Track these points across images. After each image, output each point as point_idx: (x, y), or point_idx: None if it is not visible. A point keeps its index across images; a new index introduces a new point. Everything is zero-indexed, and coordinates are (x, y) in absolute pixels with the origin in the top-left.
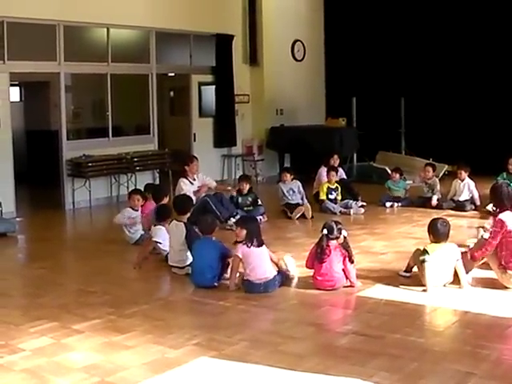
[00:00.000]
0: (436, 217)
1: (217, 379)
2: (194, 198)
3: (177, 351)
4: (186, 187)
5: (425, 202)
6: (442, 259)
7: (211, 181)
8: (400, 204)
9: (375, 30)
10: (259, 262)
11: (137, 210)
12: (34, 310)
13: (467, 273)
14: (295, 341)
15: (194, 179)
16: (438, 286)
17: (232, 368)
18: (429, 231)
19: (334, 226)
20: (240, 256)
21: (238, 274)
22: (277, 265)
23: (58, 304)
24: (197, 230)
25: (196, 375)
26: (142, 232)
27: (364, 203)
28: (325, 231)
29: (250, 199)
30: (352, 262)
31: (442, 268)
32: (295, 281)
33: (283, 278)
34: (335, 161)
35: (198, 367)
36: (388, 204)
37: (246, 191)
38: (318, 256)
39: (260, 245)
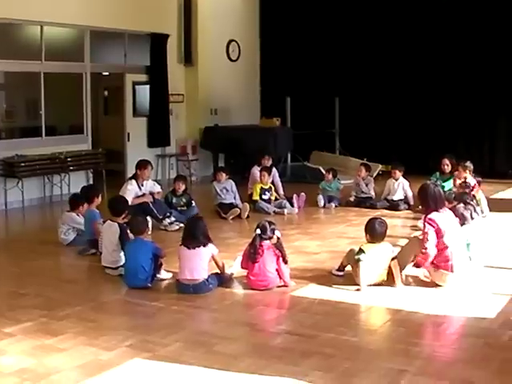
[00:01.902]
0: (373, 217)
1: (151, 381)
2: (130, 201)
3: (110, 353)
4: (132, 189)
5: (360, 202)
6: (377, 258)
7: (158, 188)
8: (333, 204)
9: (310, 30)
10: (186, 263)
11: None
12: None
13: (401, 271)
14: (229, 341)
15: (143, 184)
16: (371, 284)
17: (166, 369)
18: (366, 231)
19: (268, 226)
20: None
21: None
22: (220, 268)
23: None
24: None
25: (130, 377)
26: (75, 234)
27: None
28: (258, 231)
29: (184, 200)
30: (286, 262)
31: (376, 267)
32: (233, 281)
33: (221, 280)
34: (267, 161)
35: (132, 369)
36: (322, 203)
37: (180, 191)
38: (251, 256)
39: (191, 246)
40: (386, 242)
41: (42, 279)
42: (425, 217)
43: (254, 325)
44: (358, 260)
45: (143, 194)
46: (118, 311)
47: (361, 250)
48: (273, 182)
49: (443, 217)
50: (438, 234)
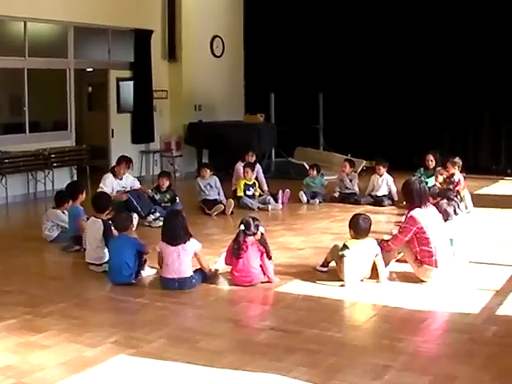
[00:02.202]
0: (357, 212)
1: (135, 377)
2: (112, 196)
3: (94, 350)
4: (107, 182)
5: (344, 198)
6: (361, 254)
7: (138, 185)
8: (318, 200)
9: (294, 27)
10: (170, 261)
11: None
12: None
13: (385, 267)
14: (213, 337)
15: (121, 178)
16: (356, 280)
17: (150, 366)
18: (350, 226)
19: (251, 222)
20: (157, 249)
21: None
22: (202, 265)
23: None
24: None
25: (114, 374)
26: (59, 231)
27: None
28: (242, 227)
29: (168, 196)
30: (270, 258)
31: (360, 263)
32: (218, 277)
33: (204, 276)
34: (250, 157)
35: (116, 365)
36: (305, 199)
37: (164, 188)
38: (235, 252)
39: (173, 243)
40: (370, 237)
41: (25, 276)
42: (407, 212)
43: (238, 321)
44: (342, 256)
45: (125, 191)
46: (102, 308)
47: (345, 246)
48: (257, 178)
49: (426, 213)
50: (420, 230)
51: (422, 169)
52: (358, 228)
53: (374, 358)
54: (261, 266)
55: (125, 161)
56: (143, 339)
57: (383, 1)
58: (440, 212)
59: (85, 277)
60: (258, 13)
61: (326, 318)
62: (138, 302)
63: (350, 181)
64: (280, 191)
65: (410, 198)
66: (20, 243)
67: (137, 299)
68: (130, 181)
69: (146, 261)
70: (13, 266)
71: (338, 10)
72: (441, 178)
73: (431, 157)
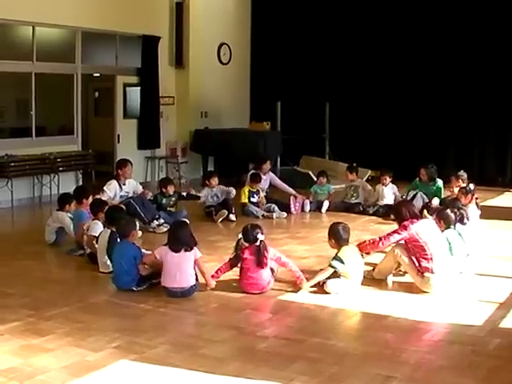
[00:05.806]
0: (336, 221)
1: (137, 383)
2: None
3: (97, 354)
4: (111, 187)
5: (348, 207)
6: (355, 259)
7: (140, 188)
8: (324, 209)
9: (301, 35)
10: (171, 269)
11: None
12: None
13: (385, 277)
14: (216, 344)
15: (124, 183)
16: (357, 288)
17: (152, 371)
18: (329, 235)
19: (250, 230)
20: (156, 255)
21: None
22: (203, 274)
23: None
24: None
25: (116, 378)
26: (62, 234)
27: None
28: (239, 235)
29: (173, 199)
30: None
31: (357, 271)
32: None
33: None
34: (268, 165)
35: (119, 370)
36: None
37: (171, 193)
38: (233, 261)
39: (177, 250)
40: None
41: (29, 279)
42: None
43: (241, 328)
44: (331, 266)
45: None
46: (105, 312)
47: (337, 258)
48: (271, 185)
49: (420, 223)
50: (412, 237)
51: (416, 180)
52: (339, 236)
53: (376, 369)
54: (271, 269)
55: (129, 163)
56: (146, 345)
57: (390, 12)
58: (442, 219)
59: (89, 281)
60: (265, 21)
61: (329, 328)
62: (142, 308)
63: (357, 188)
64: (292, 198)
65: (401, 218)
66: (24, 246)
67: (140, 305)
68: (132, 186)
69: None
70: (17, 269)
71: (345, 20)
72: (456, 190)
73: (423, 171)
